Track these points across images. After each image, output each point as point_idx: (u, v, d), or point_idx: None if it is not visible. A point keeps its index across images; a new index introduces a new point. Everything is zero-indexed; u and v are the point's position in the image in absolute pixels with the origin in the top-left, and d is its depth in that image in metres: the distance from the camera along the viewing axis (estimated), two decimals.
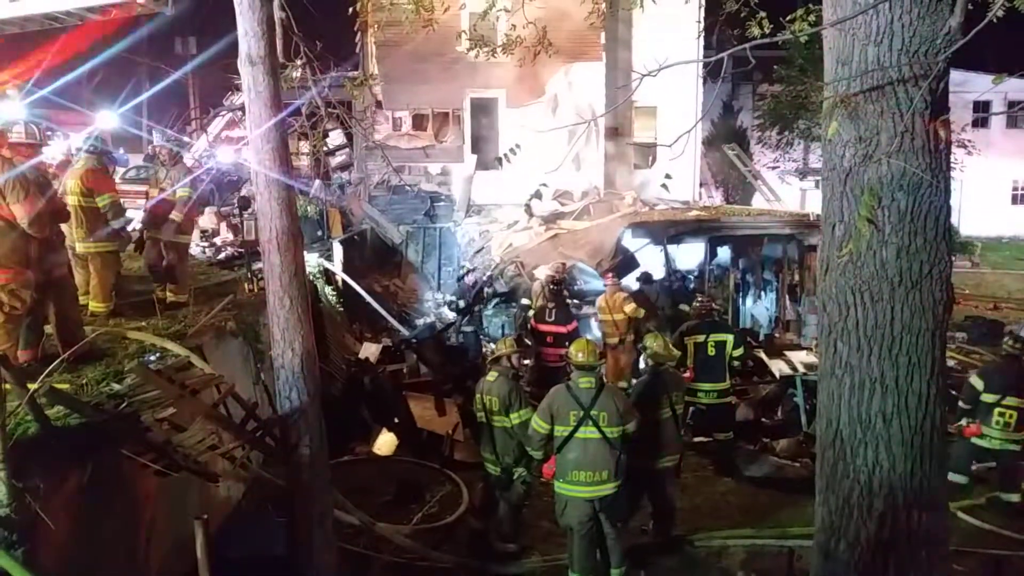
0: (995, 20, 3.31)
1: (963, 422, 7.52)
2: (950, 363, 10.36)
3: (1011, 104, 24.78)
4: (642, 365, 9.90)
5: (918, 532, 3.87)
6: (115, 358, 5.66)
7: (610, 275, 11.24)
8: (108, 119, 15.14)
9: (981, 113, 27.08)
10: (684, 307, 12.13)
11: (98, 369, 5.35)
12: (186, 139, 13.80)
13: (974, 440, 7.43)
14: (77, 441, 4.22)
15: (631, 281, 12.60)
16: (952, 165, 4.00)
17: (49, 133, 5.99)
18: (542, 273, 11.82)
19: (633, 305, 10.57)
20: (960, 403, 7.49)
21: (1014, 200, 30.85)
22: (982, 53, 8.01)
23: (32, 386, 4.20)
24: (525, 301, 12.49)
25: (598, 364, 6.00)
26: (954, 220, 4.11)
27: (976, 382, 7.51)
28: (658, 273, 14.26)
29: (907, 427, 3.83)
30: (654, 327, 10.73)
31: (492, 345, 13.31)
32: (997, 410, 7.31)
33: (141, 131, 19.40)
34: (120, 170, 14.54)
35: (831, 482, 4.07)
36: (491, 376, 6.51)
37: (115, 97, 20.12)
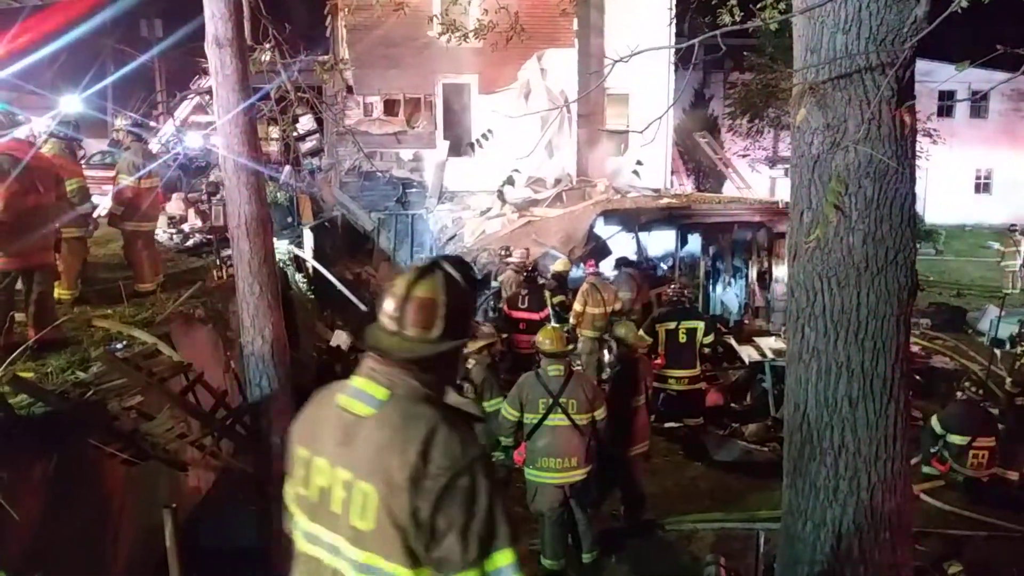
0: (959, 10, 3.36)
1: (932, 450, 7.65)
2: (914, 348, 10.56)
3: (974, 93, 25.19)
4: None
5: (882, 513, 3.94)
6: (81, 346, 5.58)
7: (593, 264, 11.10)
8: (71, 103, 14.80)
9: (946, 101, 27.52)
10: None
11: (63, 357, 5.26)
12: (152, 124, 13.55)
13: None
14: (42, 430, 4.15)
15: (606, 267, 12.62)
16: (917, 154, 4.06)
17: (12, 116, 5.84)
18: (513, 258, 11.67)
19: (620, 299, 10.54)
20: (923, 447, 7.61)
21: (977, 189, 31.42)
22: (947, 43, 8.12)
23: None
24: (495, 284, 12.33)
25: (567, 351, 6.03)
26: (919, 208, 4.17)
27: (936, 426, 7.62)
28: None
29: (872, 410, 3.89)
30: (636, 315, 10.76)
31: None
32: (971, 452, 7.42)
33: (106, 115, 19.02)
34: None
35: (798, 465, 4.13)
36: (468, 362, 6.51)
37: (79, 80, 19.68)
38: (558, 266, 11.16)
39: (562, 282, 10.84)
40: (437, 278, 2.00)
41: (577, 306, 10.09)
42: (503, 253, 12.36)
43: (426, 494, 1.80)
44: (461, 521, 1.82)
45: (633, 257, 14.14)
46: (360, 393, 1.95)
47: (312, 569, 1.98)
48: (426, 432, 1.85)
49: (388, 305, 2.00)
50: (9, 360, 4.83)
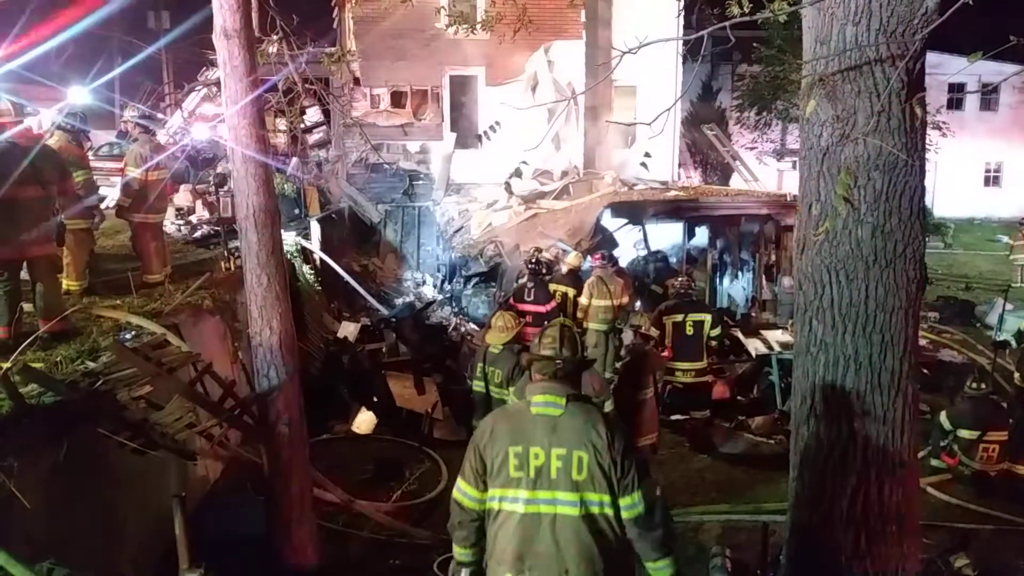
0: (970, 2, 3.33)
1: (941, 444, 7.60)
2: (922, 342, 10.53)
3: (985, 86, 25.00)
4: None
5: (889, 507, 3.94)
6: (90, 336, 5.60)
7: (600, 257, 11.05)
8: (79, 94, 14.85)
9: (956, 94, 27.31)
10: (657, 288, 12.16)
11: (72, 347, 5.29)
12: (159, 115, 13.56)
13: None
14: (52, 419, 4.18)
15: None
16: (927, 146, 4.04)
17: (21, 107, 5.84)
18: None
19: (627, 293, 10.49)
20: (931, 441, 7.54)
21: (986, 182, 31.21)
22: (957, 36, 8.06)
23: (4, 364, 4.15)
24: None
25: None
26: (928, 201, 4.15)
27: (945, 422, 7.54)
28: (631, 253, 14.31)
29: (879, 404, 3.88)
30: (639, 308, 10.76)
31: (472, 325, 13.35)
32: (981, 446, 7.33)
33: (114, 106, 19.06)
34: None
35: (805, 458, 4.13)
36: (495, 348, 6.51)
37: (86, 72, 19.74)
38: (571, 260, 11.15)
39: (575, 276, 10.79)
40: (571, 327, 3.52)
41: (583, 299, 10.06)
42: (534, 256, 12.13)
43: (617, 451, 3.09)
44: (633, 464, 3.11)
45: (628, 255, 14.10)
46: (548, 403, 3.19)
47: (531, 523, 3.11)
48: (603, 418, 3.19)
49: (549, 342, 3.33)
50: (19, 350, 4.85)
